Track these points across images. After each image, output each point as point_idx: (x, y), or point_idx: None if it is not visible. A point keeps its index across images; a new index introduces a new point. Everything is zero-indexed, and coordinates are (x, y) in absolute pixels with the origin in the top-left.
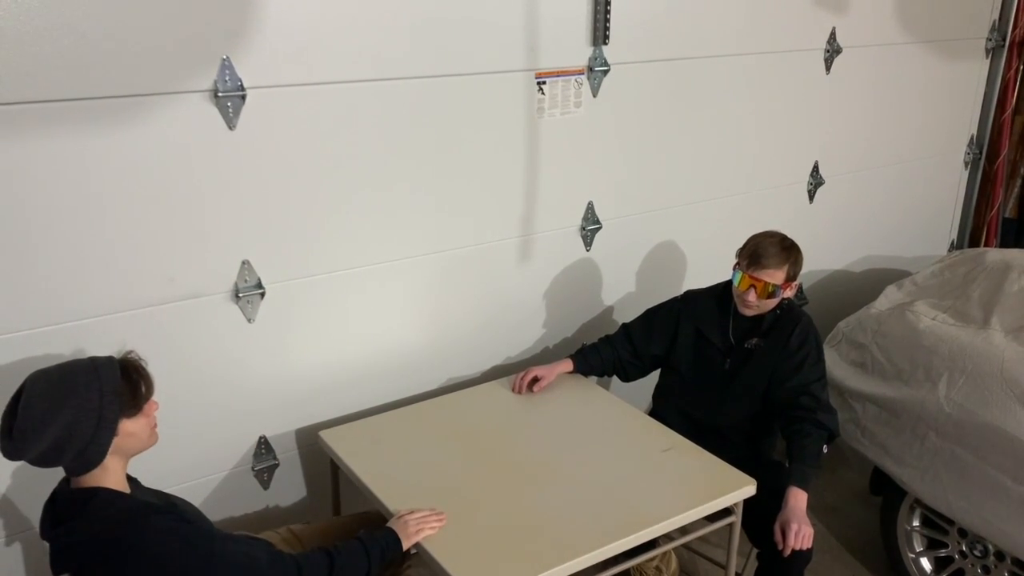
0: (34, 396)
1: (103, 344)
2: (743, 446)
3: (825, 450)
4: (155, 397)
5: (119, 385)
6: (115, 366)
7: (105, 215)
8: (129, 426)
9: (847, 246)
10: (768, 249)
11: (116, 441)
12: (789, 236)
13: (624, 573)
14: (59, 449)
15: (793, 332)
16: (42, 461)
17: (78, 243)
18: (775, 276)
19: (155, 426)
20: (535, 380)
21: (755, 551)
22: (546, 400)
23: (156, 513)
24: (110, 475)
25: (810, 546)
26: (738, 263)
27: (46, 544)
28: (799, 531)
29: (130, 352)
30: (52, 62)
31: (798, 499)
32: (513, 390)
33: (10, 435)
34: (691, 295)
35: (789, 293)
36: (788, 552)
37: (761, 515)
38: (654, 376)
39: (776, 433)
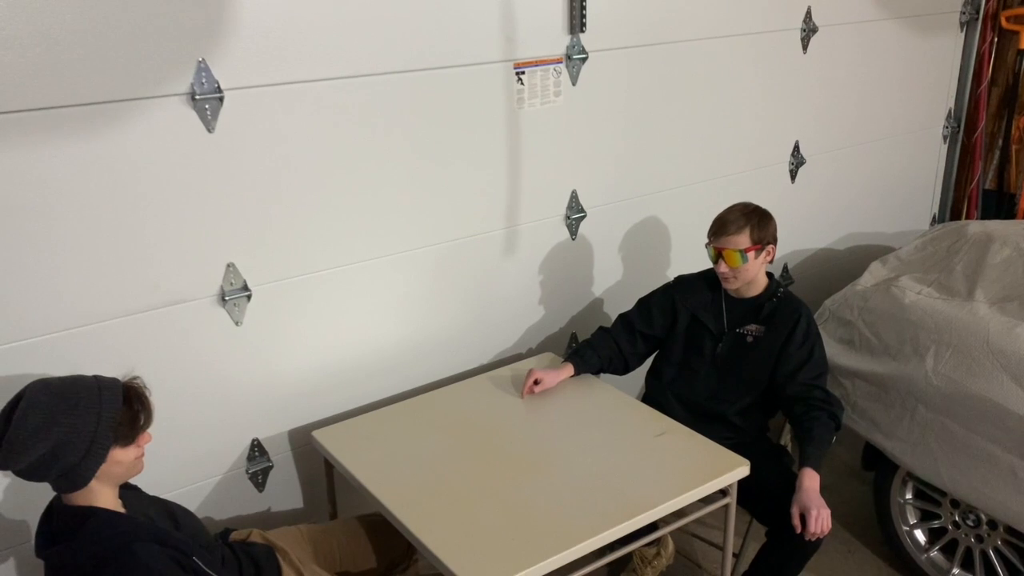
0: (30, 408)
1: (90, 355)
2: (743, 430)
3: (833, 440)
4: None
5: (119, 413)
6: (118, 391)
7: (85, 224)
8: (119, 455)
9: (831, 224)
10: (727, 216)
11: (103, 467)
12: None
13: (623, 557)
14: (44, 466)
15: (797, 325)
16: (27, 474)
17: (60, 254)
18: (738, 241)
19: (142, 455)
20: (536, 382)
21: (751, 531)
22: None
23: (147, 542)
24: (101, 495)
25: (829, 528)
26: (707, 242)
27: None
28: (819, 516)
29: (135, 378)
30: (25, 71)
31: (813, 480)
32: (523, 395)
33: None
34: (683, 280)
35: (766, 259)
36: (809, 536)
37: (768, 496)
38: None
39: (774, 416)
